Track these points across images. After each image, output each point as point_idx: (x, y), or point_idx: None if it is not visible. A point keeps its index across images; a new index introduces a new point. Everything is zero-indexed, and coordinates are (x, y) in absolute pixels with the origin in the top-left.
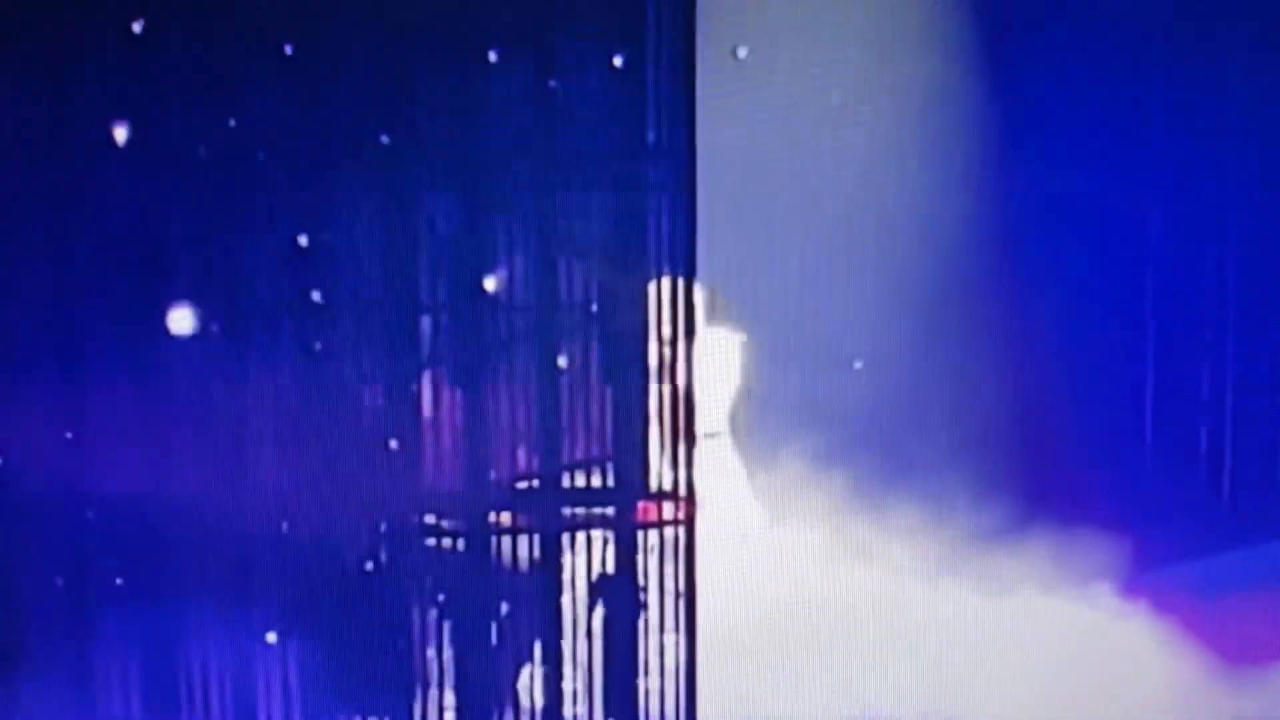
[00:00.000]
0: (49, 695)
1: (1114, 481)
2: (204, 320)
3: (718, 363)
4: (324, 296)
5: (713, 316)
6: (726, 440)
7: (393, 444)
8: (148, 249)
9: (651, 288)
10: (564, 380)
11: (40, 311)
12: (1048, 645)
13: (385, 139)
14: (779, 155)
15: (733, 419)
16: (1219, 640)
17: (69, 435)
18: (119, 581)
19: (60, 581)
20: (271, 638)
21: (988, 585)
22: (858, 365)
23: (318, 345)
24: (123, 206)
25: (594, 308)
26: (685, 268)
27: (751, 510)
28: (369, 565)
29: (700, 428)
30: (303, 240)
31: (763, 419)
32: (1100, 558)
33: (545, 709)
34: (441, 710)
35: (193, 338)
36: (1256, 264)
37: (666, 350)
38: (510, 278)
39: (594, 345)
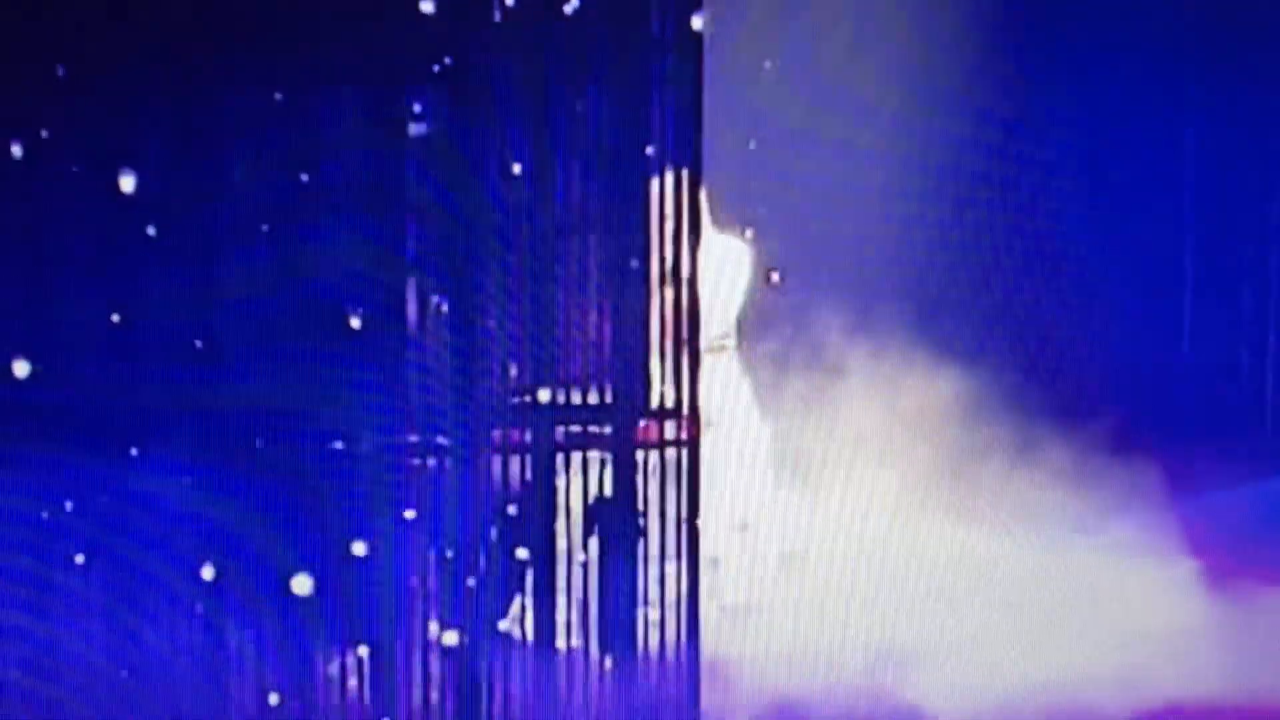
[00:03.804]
0: None
1: (1153, 406)
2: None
3: (725, 267)
4: (305, 202)
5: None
6: (733, 351)
7: (376, 361)
8: None
9: (654, 185)
10: (559, 288)
11: None
12: (1074, 580)
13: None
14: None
15: (740, 328)
16: (1257, 573)
17: None
18: None
19: None
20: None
21: (1008, 518)
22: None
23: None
24: None
25: (592, 210)
26: (690, 164)
27: (759, 429)
28: (355, 485)
29: (705, 338)
30: (281, 110)
31: (774, 328)
32: (1133, 487)
33: (537, 641)
34: (427, 641)
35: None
36: None
37: (669, 255)
38: (504, 179)
39: (591, 249)
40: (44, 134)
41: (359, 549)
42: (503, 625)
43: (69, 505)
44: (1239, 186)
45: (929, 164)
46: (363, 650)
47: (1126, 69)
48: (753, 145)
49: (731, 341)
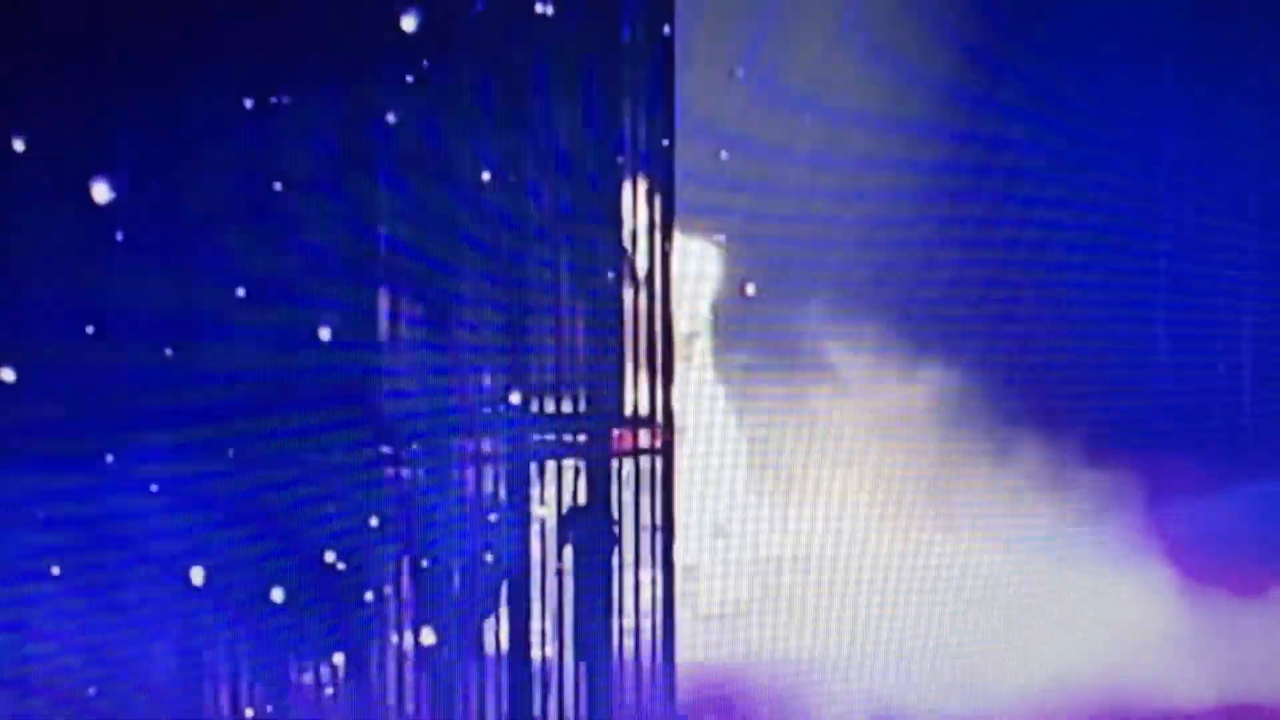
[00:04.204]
0: None
1: (1124, 413)
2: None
3: (696, 274)
4: (279, 209)
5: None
6: (705, 351)
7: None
8: None
9: (626, 193)
10: (533, 296)
11: None
12: (1048, 584)
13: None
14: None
15: (713, 327)
16: (1231, 576)
17: None
18: None
19: None
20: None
21: (983, 523)
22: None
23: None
24: None
25: (564, 217)
26: (662, 173)
27: (733, 437)
28: (328, 495)
29: (679, 330)
30: (255, 116)
31: (747, 336)
32: (1107, 492)
33: (511, 652)
34: (401, 653)
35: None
36: (1275, 192)
37: (642, 264)
38: (477, 186)
39: (564, 259)
40: (17, 142)
41: (330, 557)
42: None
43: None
44: (1215, 197)
45: (902, 171)
46: (338, 658)
47: (1104, 78)
48: (724, 156)
49: (703, 342)
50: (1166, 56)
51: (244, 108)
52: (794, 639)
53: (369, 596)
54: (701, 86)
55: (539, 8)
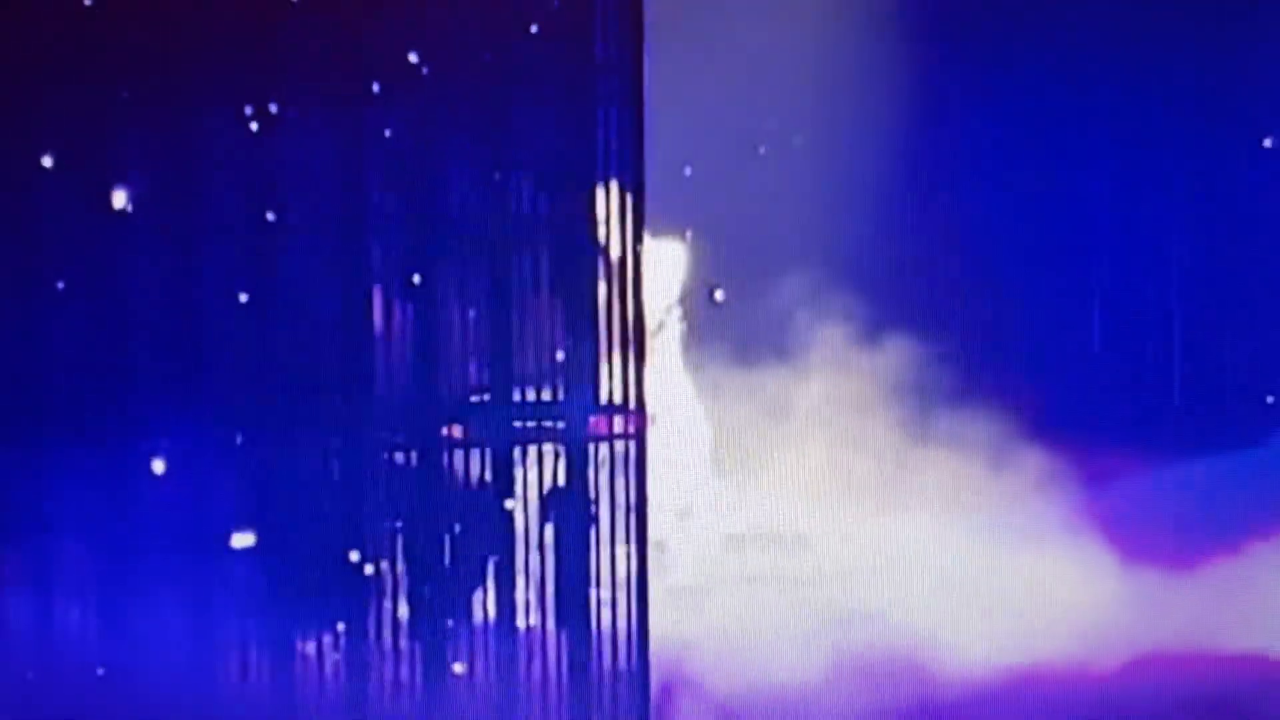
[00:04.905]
0: None
1: (1061, 394)
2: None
3: (667, 272)
4: (276, 215)
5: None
6: (676, 336)
7: (347, 363)
8: None
9: (600, 196)
10: (513, 293)
11: None
12: (996, 562)
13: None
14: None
15: (684, 324)
16: (1166, 552)
17: None
18: None
19: None
20: (239, 541)
21: (935, 501)
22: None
23: (273, 261)
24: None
25: (543, 219)
26: (632, 177)
27: (701, 423)
28: (323, 479)
29: (650, 323)
30: (254, 126)
31: (711, 328)
32: (1046, 472)
33: (498, 621)
34: (396, 622)
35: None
36: (1201, 180)
37: (615, 260)
38: (460, 190)
39: (544, 258)
40: (26, 153)
41: (329, 535)
42: None
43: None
44: (1146, 180)
45: (863, 169)
46: (338, 629)
47: (1046, 68)
48: (688, 171)
49: (672, 334)
50: (1105, 43)
51: (244, 116)
52: (755, 611)
53: (368, 570)
54: (670, 96)
55: (531, 28)
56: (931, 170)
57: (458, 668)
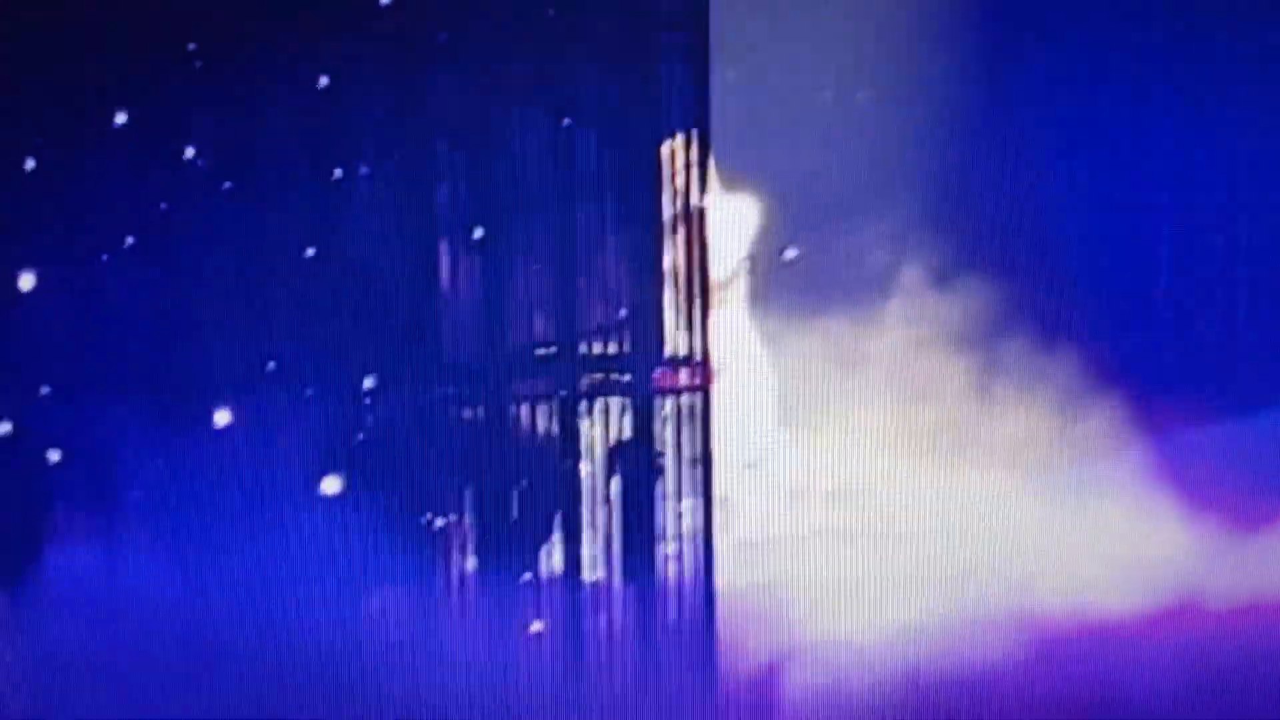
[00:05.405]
0: None
1: (1132, 347)
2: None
3: (734, 224)
4: (343, 170)
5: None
6: (743, 290)
7: (418, 319)
8: None
9: (665, 148)
10: (579, 247)
11: None
12: (1064, 516)
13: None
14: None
15: (751, 276)
16: (1237, 505)
17: None
18: None
19: None
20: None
21: (998, 454)
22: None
23: (339, 217)
24: None
25: (608, 172)
26: (699, 127)
27: (768, 375)
28: (390, 434)
29: (717, 275)
30: (322, 81)
31: (779, 280)
32: (1117, 425)
33: (565, 575)
34: (464, 577)
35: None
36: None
37: (681, 212)
38: (525, 145)
39: (610, 209)
40: (100, 110)
41: (401, 491)
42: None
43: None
44: (1215, 121)
45: (937, 118)
46: (401, 589)
47: (1120, 12)
48: (754, 123)
49: (740, 287)
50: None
51: (312, 73)
52: (822, 566)
53: (436, 525)
54: (740, 48)
55: None
56: (1003, 117)
57: (528, 622)
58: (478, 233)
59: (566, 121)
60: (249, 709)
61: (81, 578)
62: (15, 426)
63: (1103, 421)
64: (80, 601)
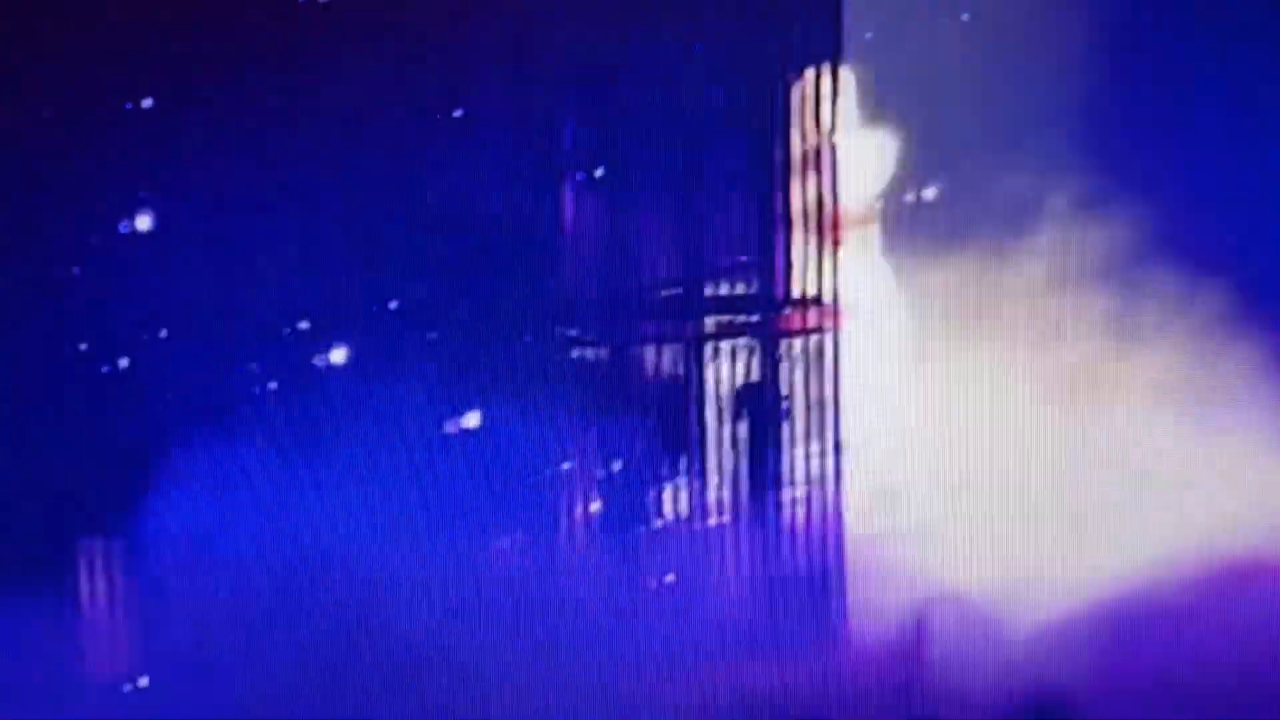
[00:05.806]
0: None
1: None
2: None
3: (865, 160)
4: (464, 110)
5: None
6: (874, 229)
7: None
8: None
9: (795, 84)
10: (705, 185)
11: None
12: (1201, 456)
13: None
14: None
15: (883, 214)
16: None
17: None
18: None
19: None
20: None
21: (1137, 395)
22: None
23: (460, 158)
24: None
25: (735, 108)
26: (830, 61)
27: (898, 317)
28: (512, 378)
29: (847, 214)
30: (444, 19)
31: (911, 218)
32: (1257, 364)
33: (689, 519)
34: (589, 520)
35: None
36: None
37: (812, 149)
38: (649, 82)
39: (736, 148)
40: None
41: (524, 434)
42: None
43: None
44: None
45: (1072, 45)
46: (526, 529)
47: None
48: (887, 58)
49: (872, 227)
50: None
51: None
52: (950, 511)
53: (562, 468)
54: None
55: None
56: (1152, 39)
57: (651, 567)
58: (599, 171)
59: (693, 56)
60: (372, 653)
61: (196, 519)
62: (131, 362)
63: (1242, 360)
64: (195, 542)
